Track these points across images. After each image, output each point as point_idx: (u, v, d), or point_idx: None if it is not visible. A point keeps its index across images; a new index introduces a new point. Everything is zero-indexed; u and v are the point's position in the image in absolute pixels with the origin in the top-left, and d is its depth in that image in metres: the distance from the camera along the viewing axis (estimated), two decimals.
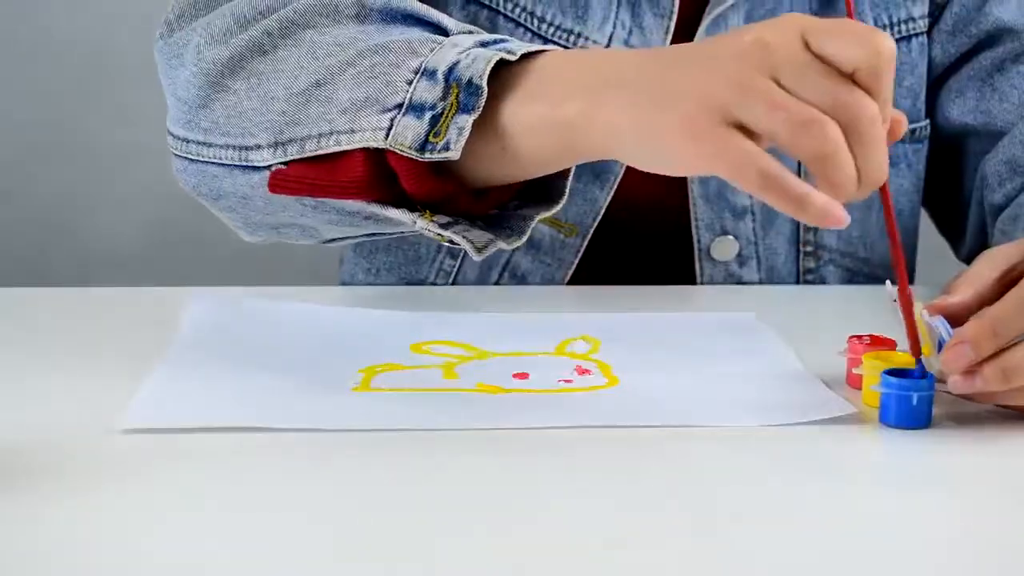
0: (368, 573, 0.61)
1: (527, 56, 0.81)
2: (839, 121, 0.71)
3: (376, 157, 0.82)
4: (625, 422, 0.79)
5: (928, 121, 1.17)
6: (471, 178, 0.83)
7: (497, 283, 1.12)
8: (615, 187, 1.09)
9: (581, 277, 1.13)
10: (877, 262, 1.17)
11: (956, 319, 0.81)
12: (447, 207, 0.84)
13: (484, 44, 0.82)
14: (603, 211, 1.10)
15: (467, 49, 0.81)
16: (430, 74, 0.80)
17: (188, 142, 0.90)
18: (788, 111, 0.71)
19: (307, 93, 0.84)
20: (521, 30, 1.08)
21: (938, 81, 1.17)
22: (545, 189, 0.87)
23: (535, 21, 1.08)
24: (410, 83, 0.81)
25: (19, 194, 2.26)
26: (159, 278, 2.21)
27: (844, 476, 0.74)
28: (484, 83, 0.78)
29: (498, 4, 1.08)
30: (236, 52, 0.88)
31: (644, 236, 1.13)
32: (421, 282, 1.14)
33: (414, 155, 0.79)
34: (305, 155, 0.83)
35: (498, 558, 0.63)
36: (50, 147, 2.23)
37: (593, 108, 0.77)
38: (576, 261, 1.12)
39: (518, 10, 1.08)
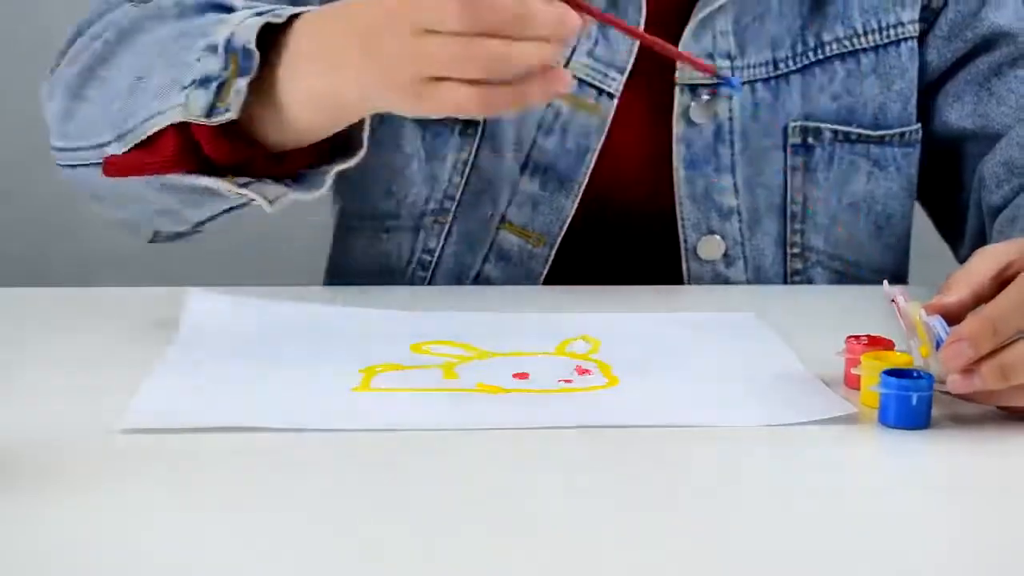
0: (368, 573, 0.61)
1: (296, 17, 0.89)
2: (498, 33, 0.80)
3: (185, 133, 0.91)
4: (625, 422, 0.79)
5: (919, 125, 1.17)
6: (266, 143, 0.92)
7: None
8: (580, 195, 1.10)
9: (555, 281, 1.13)
10: (865, 264, 1.17)
11: (953, 318, 0.81)
12: (251, 170, 0.92)
13: (260, 13, 0.90)
14: (570, 218, 1.11)
15: (243, 20, 0.90)
16: (212, 48, 0.90)
17: (63, 151, 1.02)
18: (447, 50, 0.81)
19: (133, 87, 0.94)
20: None
21: (935, 86, 1.17)
22: (348, 142, 0.94)
23: None
24: (199, 60, 0.90)
25: (19, 194, 2.26)
26: (159, 278, 2.20)
27: (844, 476, 0.74)
28: (253, 46, 0.88)
29: None
30: (85, 65, 0.99)
31: (630, 236, 1.13)
32: None
33: (203, 121, 0.89)
34: (138, 141, 0.93)
35: (498, 558, 0.63)
36: (49, 147, 2.23)
37: (338, 78, 0.87)
38: (545, 271, 1.12)
39: None
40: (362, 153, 0.93)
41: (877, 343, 0.85)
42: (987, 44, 1.14)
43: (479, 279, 1.13)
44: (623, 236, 1.14)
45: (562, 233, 1.11)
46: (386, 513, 0.67)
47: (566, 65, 1.08)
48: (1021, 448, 0.78)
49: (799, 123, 1.13)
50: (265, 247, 1.54)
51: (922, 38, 1.15)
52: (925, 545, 0.66)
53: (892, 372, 0.79)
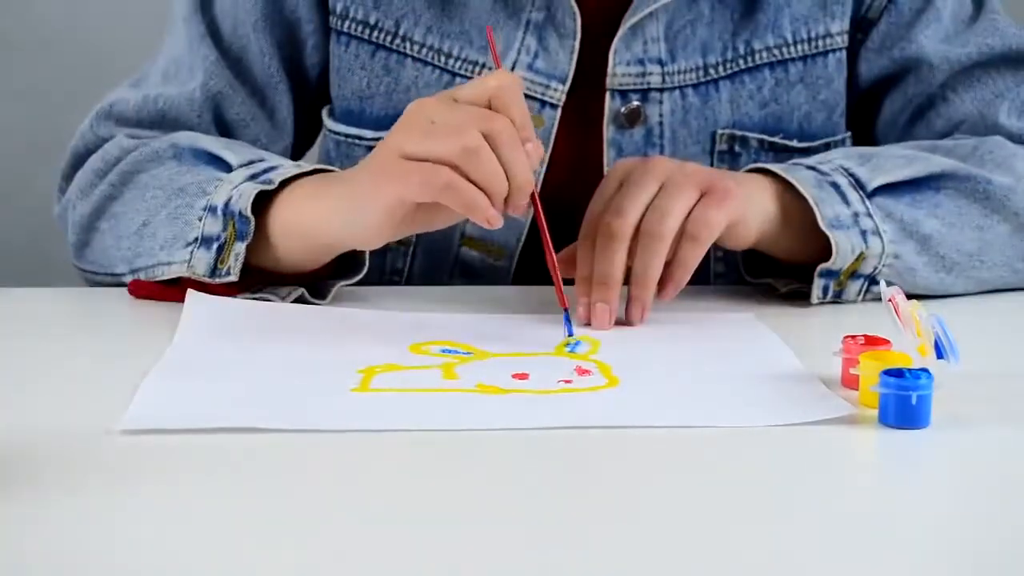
0: (368, 573, 0.61)
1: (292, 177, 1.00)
2: (481, 131, 0.90)
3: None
4: (626, 422, 0.79)
5: (848, 135, 1.19)
6: (265, 271, 1.02)
7: None
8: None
9: None
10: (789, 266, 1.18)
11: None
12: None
13: (254, 176, 1.00)
14: (527, 230, 1.13)
15: (238, 185, 1.00)
16: (213, 210, 1.00)
17: (84, 271, 1.12)
18: (438, 132, 0.91)
19: (140, 232, 1.05)
20: (429, 68, 1.13)
21: (870, 104, 1.19)
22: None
23: (441, 58, 1.13)
24: (200, 219, 1.00)
25: (19, 194, 2.26)
26: None
27: (844, 476, 0.74)
28: (249, 213, 0.98)
29: (404, 47, 1.13)
30: (96, 203, 1.09)
31: (570, 238, 1.14)
32: None
33: (208, 280, 1.00)
34: (152, 279, 1.03)
35: (500, 558, 0.63)
36: (50, 147, 2.23)
37: (317, 212, 0.97)
38: (509, 282, 1.15)
39: (424, 50, 1.13)
40: (361, 274, 1.02)
41: (874, 343, 0.85)
42: (909, 71, 1.16)
43: None
44: (569, 238, 1.14)
45: (520, 245, 1.14)
46: (387, 513, 0.67)
47: None
48: (1021, 448, 0.78)
49: (727, 131, 1.15)
50: None
51: (855, 49, 1.17)
52: (925, 545, 0.66)
53: (891, 372, 0.79)
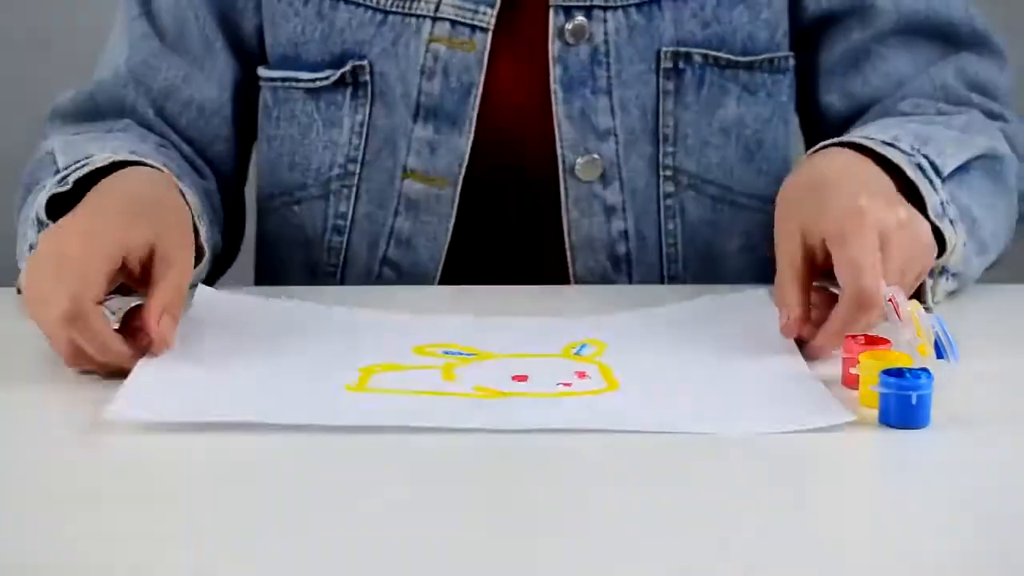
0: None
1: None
2: None
3: None
4: (617, 427, 0.78)
5: (791, 54, 1.17)
6: None
7: (385, 251, 1.15)
8: (473, 130, 1.12)
9: (464, 228, 1.14)
10: (739, 190, 1.17)
11: (807, 321, 0.90)
12: None
13: (65, 179, 0.99)
14: (467, 156, 1.13)
15: (47, 188, 1.00)
16: (34, 221, 1.00)
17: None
18: None
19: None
20: (361, 9, 1.13)
21: (813, 36, 1.18)
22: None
23: None
24: (29, 230, 1.01)
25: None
26: None
27: (844, 476, 0.74)
28: (44, 217, 0.98)
29: None
30: (14, 216, 1.09)
31: (526, 166, 1.15)
32: (315, 264, 1.17)
33: None
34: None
35: (497, 562, 0.63)
36: None
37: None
38: (454, 212, 1.14)
39: None
40: (199, 267, 1.00)
41: (875, 342, 0.85)
42: (860, 14, 1.15)
43: (393, 234, 1.15)
44: (518, 170, 1.16)
45: (462, 172, 1.13)
46: (379, 517, 0.68)
47: (436, 8, 1.11)
48: (1021, 448, 0.78)
49: (671, 48, 1.14)
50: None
51: None
52: (925, 545, 0.66)
53: (891, 372, 0.79)
